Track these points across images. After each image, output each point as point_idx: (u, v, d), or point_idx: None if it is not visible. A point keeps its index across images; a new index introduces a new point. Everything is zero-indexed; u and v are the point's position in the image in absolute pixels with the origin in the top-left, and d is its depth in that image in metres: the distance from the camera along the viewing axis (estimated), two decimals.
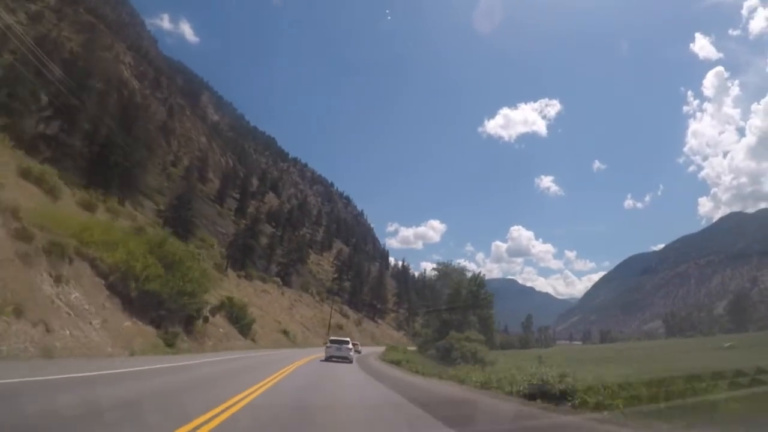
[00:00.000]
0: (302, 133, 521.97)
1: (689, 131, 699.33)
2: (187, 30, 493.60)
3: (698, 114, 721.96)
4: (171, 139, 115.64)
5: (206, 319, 22.07)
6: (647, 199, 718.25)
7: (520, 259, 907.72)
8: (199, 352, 19.33)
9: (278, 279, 73.71)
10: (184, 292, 18.31)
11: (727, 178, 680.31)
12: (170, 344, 16.64)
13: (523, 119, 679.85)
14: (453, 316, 37.64)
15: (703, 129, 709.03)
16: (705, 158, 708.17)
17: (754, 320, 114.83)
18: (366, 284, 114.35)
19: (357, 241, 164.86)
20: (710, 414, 5.77)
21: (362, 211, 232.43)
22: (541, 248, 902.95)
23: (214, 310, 23.49)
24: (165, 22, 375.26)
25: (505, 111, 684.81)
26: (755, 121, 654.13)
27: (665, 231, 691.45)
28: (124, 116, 50.56)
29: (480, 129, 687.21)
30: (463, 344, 25.67)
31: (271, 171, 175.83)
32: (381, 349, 60.39)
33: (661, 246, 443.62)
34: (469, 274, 46.25)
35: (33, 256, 11.68)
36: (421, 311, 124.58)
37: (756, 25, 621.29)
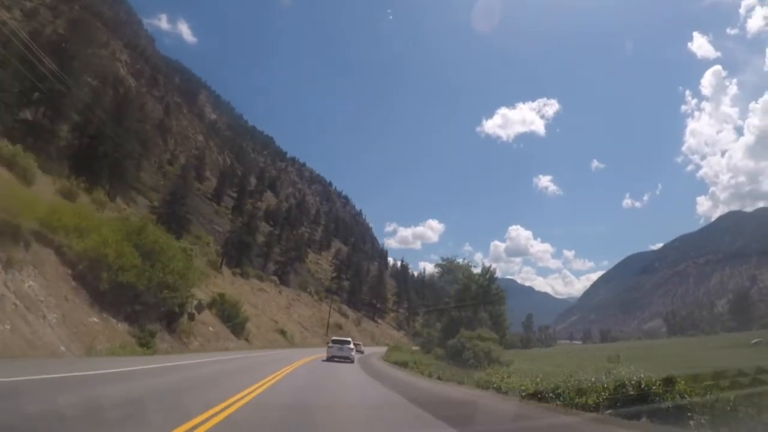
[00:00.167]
0: (300, 133, 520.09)
1: (687, 130, 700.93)
2: (184, 30, 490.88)
3: (696, 113, 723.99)
4: (167, 137, 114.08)
5: (192, 317, 19.86)
6: (646, 198, 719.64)
7: (518, 259, 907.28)
8: (181, 352, 17.36)
9: (276, 278, 71.72)
10: (164, 284, 16.24)
11: (725, 177, 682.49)
12: (145, 344, 14.53)
13: (521, 119, 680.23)
14: (463, 313, 35.17)
15: (701, 128, 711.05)
16: (703, 157, 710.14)
17: (756, 318, 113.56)
18: (365, 283, 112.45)
19: (356, 240, 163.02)
20: None
21: (361, 210, 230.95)
22: (540, 248, 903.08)
23: (200, 307, 20.97)
24: (163, 22, 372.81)
25: (503, 111, 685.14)
26: (753, 120, 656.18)
27: (664, 230, 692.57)
28: (117, 111, 48.78)
29: (478, 129, 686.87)
30: (475, 343, 22.98)
31: (269, 170, 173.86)
32: (382, 349, 58.37)
33: (659, 245, 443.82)
34: (476, 269, 44.11)
35: None
36: (422, 310, 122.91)
37: (754, 24, 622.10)
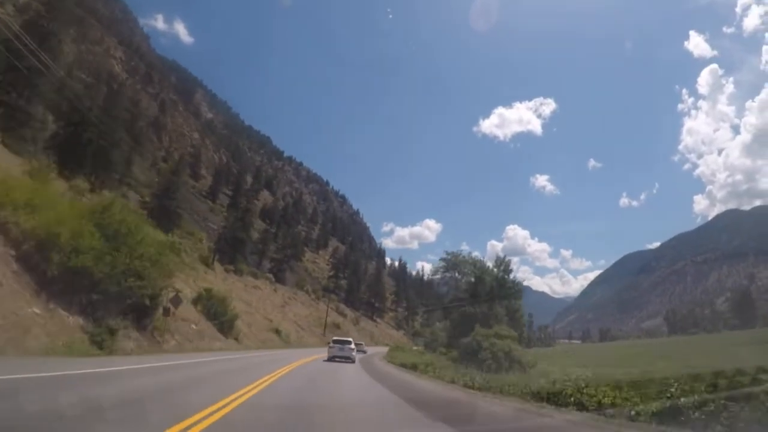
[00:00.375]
0: (297, 133, 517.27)
1: (684, 129, 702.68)
2: (181, 30, 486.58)
3: (693, 112, 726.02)
4: (162, 135, 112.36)
5: (167, 311, 17.19)
6: (642, 197, 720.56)
7: (515, 258, 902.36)
8: (152, 353, 15.01)
9: (271, 275, 69.56)
10: (131, 272, 13.80)
11: (722, 176, 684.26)
12: (100, 342, 12.15)
13: (518, 118, 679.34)
14: (477, 309, 32.00)
15: (698, 127, 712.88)
16: (700, 156, 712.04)
17: (759, 316, 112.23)
18: (363, 282, 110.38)
19: (353, 239, 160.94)
20: None
21: (358, 210, 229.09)
22: (537, 247, 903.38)
23: (177, 300, 18.17)
24: (159, 23, 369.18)
25: (500, 110, 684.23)
26: (750, 119, 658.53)
27: (661, 229, 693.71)
28: (105, 100, 46.62)
29: (475, 128, 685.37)
30: (493, 342, 19.96)
31: (265, 169, 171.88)
32: (382, 349, 56.11)
33: (657, 244, 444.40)
34: (489, 264, 41.45)
35: None
36: (421, 310, 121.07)
37: (750, 23, 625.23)
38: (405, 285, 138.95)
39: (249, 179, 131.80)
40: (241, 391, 7.88)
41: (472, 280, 36.02)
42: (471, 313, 31.26)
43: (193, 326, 21.68)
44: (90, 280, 12.36)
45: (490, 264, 38.88)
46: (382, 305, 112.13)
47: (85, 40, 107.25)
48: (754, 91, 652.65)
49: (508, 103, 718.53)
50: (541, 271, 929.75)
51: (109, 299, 13.12)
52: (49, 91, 33.54)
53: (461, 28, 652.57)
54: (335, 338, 26.33)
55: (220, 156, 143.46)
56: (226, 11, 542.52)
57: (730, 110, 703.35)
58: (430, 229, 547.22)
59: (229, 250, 56.11)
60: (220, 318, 25.91)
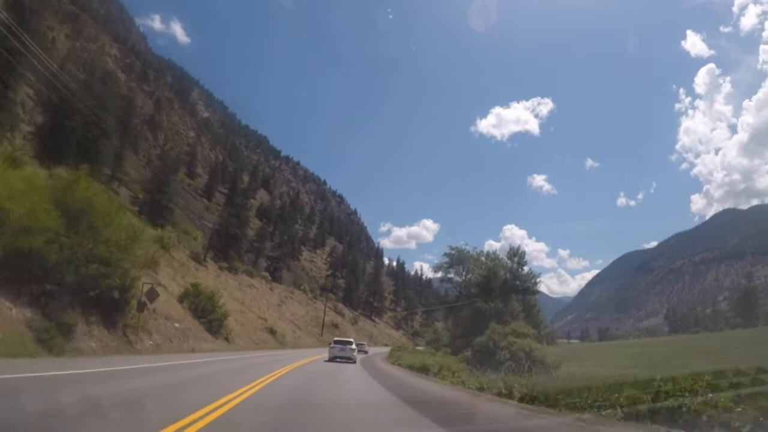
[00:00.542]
0: (294, 132, 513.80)
1: (681, 128, 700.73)
2: (178, 30, 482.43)
3: (690, 111, 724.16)
4: (158, 133, 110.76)
5: (141, 306, 15.22)
6: (640, 196, 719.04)
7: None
8: (121, 354, 12.90)
9: (267, 274, 67.71)
10: (94, 258, 11.71)
11: (719, 175, 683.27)
12: (47, 340, 9.99)
13: (515, 118, 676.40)
14: (491, 304, 29.54)
15: (695, 126, 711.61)
16: (697, 155, 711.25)
17: (762, 315, 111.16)
18: (361, 282, 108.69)
19: (351, 239, 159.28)
20: None
21: (355, 210, 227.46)
22: (535, 247, 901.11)
23: (153, 294, 16.10)
24: (156, 23, 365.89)
25: (497, 110, 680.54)
26: (747, 118, 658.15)
27: (658, 228, 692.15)
28: (91, 89, 44.77)
29: (472, 128, 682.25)
30: (511, 340, 17.63)
31: (262, 168, 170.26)
32: (382, 349, 54.41)
33: (654, 244, 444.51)
34: (502, 255, 39.07)
35: None
36: (420, 309, 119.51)
37: (747, 22, 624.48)
38: (403, 284, 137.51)
39: (246, 178, 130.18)
40: (189, 418, 5.14)
41: (484, 273, 33.50)
42: (483, 310, 29.05)
43: (177, 325, 19.62)
44: (42, 266, 10.40)
45: (502, 256, 36.97)
46: (380, 305, 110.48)
47: (80, 37, 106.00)
48: (751, 90, 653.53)
49: (505, 102, 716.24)
50: (539, 271, 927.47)
51: (65, 290, 11.05)
52: (32, 74, 31.68)
53: (459, 28, 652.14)
54: (336, 339, 26.53)
55: (216, 154, 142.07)
56: (223, 11, 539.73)
57: (727, 110, 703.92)
58: (427, 229, 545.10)
59: (224, 247, 54.24)
60: (208, 316, 23.80)
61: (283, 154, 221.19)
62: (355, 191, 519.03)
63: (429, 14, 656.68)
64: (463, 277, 38.07)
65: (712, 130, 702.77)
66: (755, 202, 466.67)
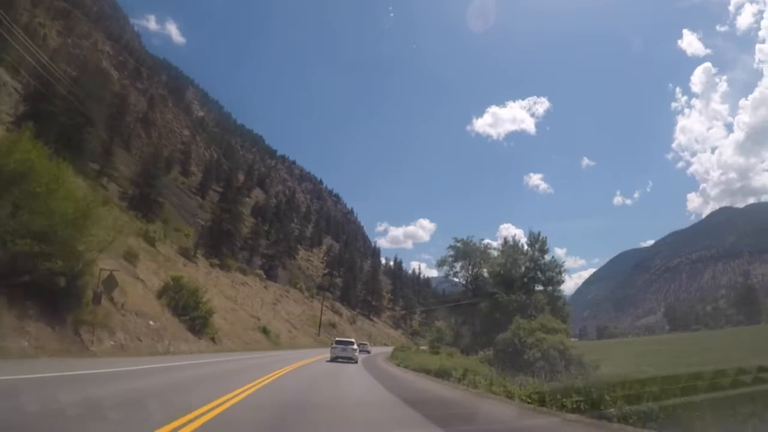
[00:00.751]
0: (290, 132, 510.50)
1: (677, 127, 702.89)
2: (173, 30, 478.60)
3: (686, 110, 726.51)
4: (151, 131, 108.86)
5: (98, 298, 12.51)
6: (636, 195, 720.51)
7: None
8: (62, 357, 10.33)
9: (261, 272, 65.68)
10: (27, 232, 9.36)
11: (715, 174, 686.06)
12: None
13: (511, 117, 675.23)
14: (514, 296, 26.55)
15: (691, 125, 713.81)
16: (693, 154, 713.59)
17: (763, 312, 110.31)
18: (359, 280, 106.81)
19: (348, 238, 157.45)
20: None
21: (352, 209, 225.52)
22: None
23: (111, 283, 13.52)
24: (151, 23, 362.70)
25: (493, 109, 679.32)
26: (743, 117, 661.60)
27: (655, 227, 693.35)
28: (75, 77, 42.68)
29: (468, 128, 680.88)
30: (540, 337, 14.71)
31: (258, 167, 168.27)
32: (383, 349, 52.52)
33: (651, 242, 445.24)
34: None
35: None
36: (419, 309, 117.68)
37: (743, 21, 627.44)
38: (401, 283, 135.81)
39: (241, 177, 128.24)
40: None
41: (502, 262, 30.76)
42: (504, 304, 26.34)
43: (151, 323, 17.39)
44: None
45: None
46: (379, 304, 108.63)
47: (72, 34, 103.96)
48: (747, 89, 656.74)
49: (501, 102, 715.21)
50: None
51: None
52: (15, 62, 29.66)
53: (455, 27, 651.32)
54: (338, 339, 27.36)
55: (211, 153, 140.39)
56: (219, 11, 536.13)
57: (723, 108, 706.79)
58: (424, 228, 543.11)
59: (216, 244, 52.14)
60: (190, 313, 21.44)
61: (279, 153, 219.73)
62: (351, 191, 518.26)
63: (425, 14, 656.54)
64: (470, 272, 35.59)
65: (709, 128, 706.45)
66: (751, 200, 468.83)
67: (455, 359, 20.00)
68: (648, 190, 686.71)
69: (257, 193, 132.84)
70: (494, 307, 28.16)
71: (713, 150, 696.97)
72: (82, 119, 34.69)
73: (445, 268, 37.73)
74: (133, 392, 7.17)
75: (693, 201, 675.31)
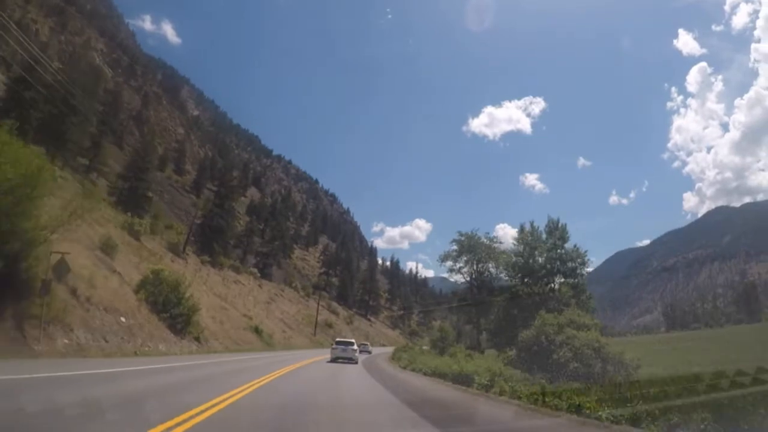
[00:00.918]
0: (286, 132, 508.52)
1: (673, 127, 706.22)
2: (169, 31, 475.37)
3: (682, 110, 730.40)
4: (145, 129, 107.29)
5: (46, 288, 10.56)
6: (632, 195, 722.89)
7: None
8: (3, 355, 8.58)
9: (256, 270, 63.87)
10: None
11: (711, 173, 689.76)
12: None
13: (507, 117, 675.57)
14: (535, 288, 24.37)
15: (687, 125, 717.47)
16: (689, 154, 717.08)
17: (763, 310, 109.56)
18: (356, 280, 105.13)
19: (344, 237, 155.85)
20: None
21: (348, 209, 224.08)
22: None
23: (62, 269, 11.36)
24: (147, 23, 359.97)
25: (489, 109, 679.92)
26: (739, 116, 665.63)
27: (651, 227, 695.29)
28: (63, 65, 40.96)
29: (464, 128, 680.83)
30: (571, 333, 12.38)
31: (253, 166, 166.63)
32: (382, 350, 50.95)
33: (647, 242, 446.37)
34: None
35: None
36: (417, 309, 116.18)
37: (738, 21, 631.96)
38: (398, 283, 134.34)
39: (236, 176, 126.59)
40: None
41: (519, 251, 28.50)
42: (523, 298, 24.24)
43: (122, 320, 15.38)
44: None
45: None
46: (376, 303, 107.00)
47: (65, 30, 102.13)
48: (742, 88, 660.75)
49: (497, 102, 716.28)
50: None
51: None
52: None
53: (451, 28, 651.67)
54: (338, 340, 27.93)
55: (206, 152, 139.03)
56: (214, 11, 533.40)
57: (719, 108, 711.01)
58: (420, 228, 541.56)
59: (207, 240, 50.26)
60: (170, 310, 19.35)
61: (275, 153, 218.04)
62: (347, 191, 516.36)
63: (421, 14, 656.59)
64: (475, 267, 33.64)
65: (704, 128, 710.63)
66: (747, 199, 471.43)
67: (476, 361, 17.87)
68: (644, 189, 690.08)
69: (253, 192, 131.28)
70: (511, 302, 26.05)
71: (709, 149, 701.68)
72: (66, 108, 32.87)
73: (449, 263, 35.50)
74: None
75: (689, 200, 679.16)
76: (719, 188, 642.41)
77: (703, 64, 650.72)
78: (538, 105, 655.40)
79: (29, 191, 9.17)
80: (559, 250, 28.47)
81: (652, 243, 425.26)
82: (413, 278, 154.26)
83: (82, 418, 4.83)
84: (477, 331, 33.06)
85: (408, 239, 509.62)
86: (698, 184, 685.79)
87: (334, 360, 22.75)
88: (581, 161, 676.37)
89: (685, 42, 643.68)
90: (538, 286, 25.58)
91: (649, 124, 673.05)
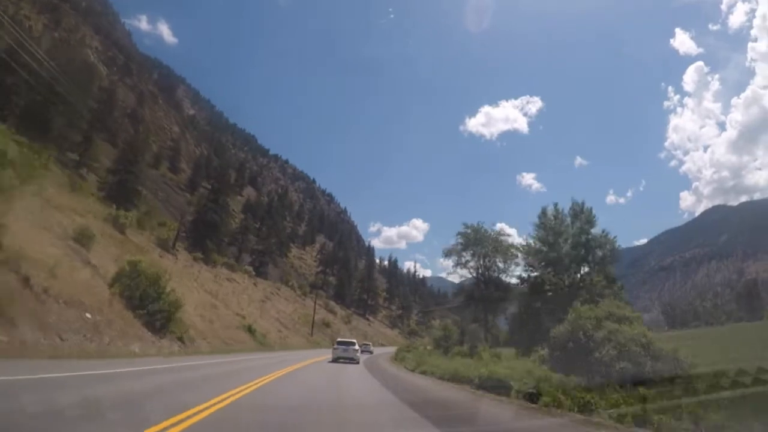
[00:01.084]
0: (283, 131, 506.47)
1: (670, 126, 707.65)
2: (165, 31, 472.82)
3: (679, 109, 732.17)
4: (140, 127, 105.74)
5: None
6: (629, 194, 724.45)
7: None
8: None
9: (251, 268, 62.20)
10: None
11: (708, 172, 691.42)
12: None
13: (504, 117, 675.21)
14: (563, 278, 22.51)
15: (683, 124, 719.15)
16: (686, 153, 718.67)
17: (765, 308, 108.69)
18: (354, 279, 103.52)
19: (341, 237, 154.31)
20: None
21: (345, 208, 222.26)
22: None
23: (30, 266, 9.80)
24: (143, 23, 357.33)
25: (486, 109, 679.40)
26: (735, 116, 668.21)
27: (648, 226, 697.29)
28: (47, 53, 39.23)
29: (461, 127, 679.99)
30: (612, 328, 10.59)
31: (250, 165, 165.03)
32: (382, 350, 49.64)
33: (644, 241, 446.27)
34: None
35: None
36: (417, 309, 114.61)
37: (735, 20, 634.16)
38: (397, 282, 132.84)
39: (232, 174, 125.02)
40: None
41: (542, 236, 25.62)
42: (553, 287, 22.08)
43: (88, 315, 13.53)
44: None
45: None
46: (374, 302, 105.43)
47: (59, 27, 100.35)
48: (739, 88, 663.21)
49: (494, 101, 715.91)
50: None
51: None
52: None
53: (448, 28, 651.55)
54: (340, 340, 28.33)
55: (202, 150, 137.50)
56: (211, 11, 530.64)
57: (716, 107, 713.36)
58: (417, 228, 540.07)
59: (200, 236, 48.51)
60: (148, 305, 17.50)
61: (271, 152, 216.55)
62: (344, 190, 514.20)
63: (418, 14, 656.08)
64: (482, 261, 32.01)
65: (701, 127, 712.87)
66: (744, 198, 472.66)
67: (507, 363, 15.53)
68: (641, 188, 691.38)
69: (249, 192, 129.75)
70: (532, 295, 24.18)
71: (706, 148, 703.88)
72: (52, 95, 31.12)
73: (453, 257, 33.53)
74: None
75: (686, 199, 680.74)
76: (716, 187, 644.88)
77: (700, 63, 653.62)
78: (535, 104, 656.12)
79: None
80: (586, 236, 26.15)
81: (650, 242, 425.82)
82: (412, 277, 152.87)
83: None
84: (485, 329, 31.52)
85: (405, 239, 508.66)
86: (695, 183, 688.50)
87: (335, 360, 23.06)
88: (578, 160, 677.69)
89: (682, 41, 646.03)
90: (566, 276, 23.75)
91: (646, 124, 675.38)
